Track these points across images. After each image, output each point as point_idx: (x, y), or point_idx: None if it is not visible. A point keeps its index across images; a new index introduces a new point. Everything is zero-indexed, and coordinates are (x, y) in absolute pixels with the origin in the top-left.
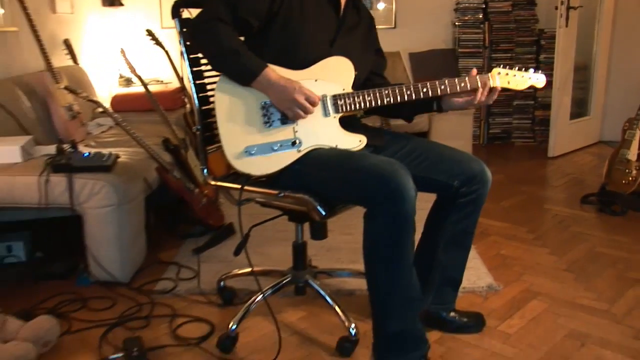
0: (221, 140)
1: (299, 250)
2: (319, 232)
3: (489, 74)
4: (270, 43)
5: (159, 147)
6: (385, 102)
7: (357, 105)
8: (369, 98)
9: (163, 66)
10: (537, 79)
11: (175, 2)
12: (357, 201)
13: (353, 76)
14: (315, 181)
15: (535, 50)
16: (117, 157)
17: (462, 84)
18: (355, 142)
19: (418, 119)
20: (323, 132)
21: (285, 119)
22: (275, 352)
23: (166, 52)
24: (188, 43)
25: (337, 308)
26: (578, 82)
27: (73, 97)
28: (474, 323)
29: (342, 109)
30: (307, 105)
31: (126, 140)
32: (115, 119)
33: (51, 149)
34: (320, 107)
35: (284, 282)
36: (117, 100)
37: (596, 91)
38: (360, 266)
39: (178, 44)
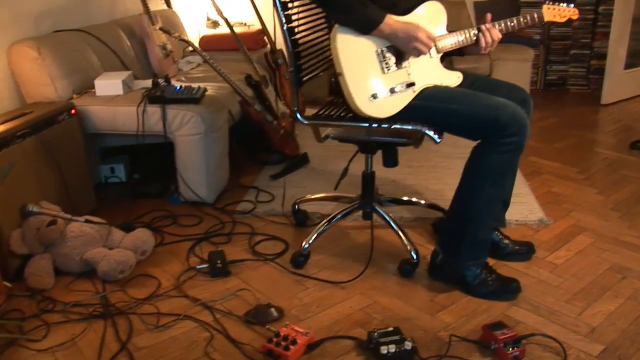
0: (348, 89)
1: (368, 179)
2: (392, 160)
3: (542, 10)
4: None
5: (242, 83)
6: (474, 39)
7: (454, 44)
8: (462, 38)
9: (246, 9)
10: (573, 12)
11: None
12: (483, 131)
13: (446, 19)
14: (438, 113)
15: (595, 2)
16: (205, 90)
17: (533, 18)
18: (455, 78)
19: (481, 64)
20: (430, 71)
21: (399, 63)
22: (342, 270)
23: None
24: None
25: (400, 233)
26: (634, 34)
27: (167, 37)
28: (525, 251)
29: (442, 50)
30: (429, 42)
31: (213, 76)
32: (204, 57)
33: (148, 83)
34: None
35: (353, 207)
36: (205, 40)
37: None
38: (422, 196)
39: None
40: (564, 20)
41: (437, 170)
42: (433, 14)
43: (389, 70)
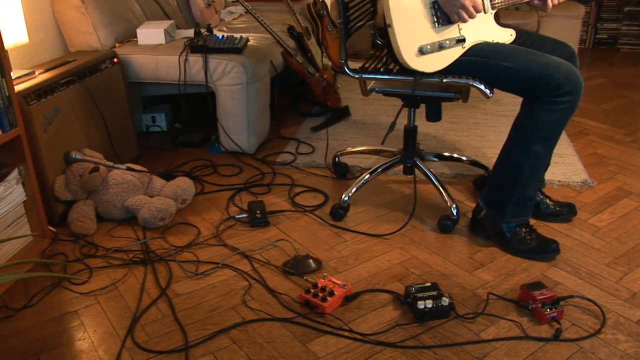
0: (396, 41)
1: (410, 134)
2: (436, 114)
3: None
4: None
5: (284, 34)
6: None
7: (511, 1)
8: None
9: None
10: None
11: None
12: (536, 89)
13: None
14: (490, 69)
15: None
16: (247, 40)
17: None
18: (507, 35)
19: (528, 20)
20: (483, 27)
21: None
22: (381, 224)
23: None
24: None
25: (441, 189)
26: None
27: None
28: (567, 212)
29: (497, 5)
30: (473, 11)
31: (255, 27)
32: (246, 7)
33: (190, 33)
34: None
35: (394, 161)
36: None
37: None
38: (464, 152)
39: None
40: None
41: (480, 127)
42: None
43: (440, 24)
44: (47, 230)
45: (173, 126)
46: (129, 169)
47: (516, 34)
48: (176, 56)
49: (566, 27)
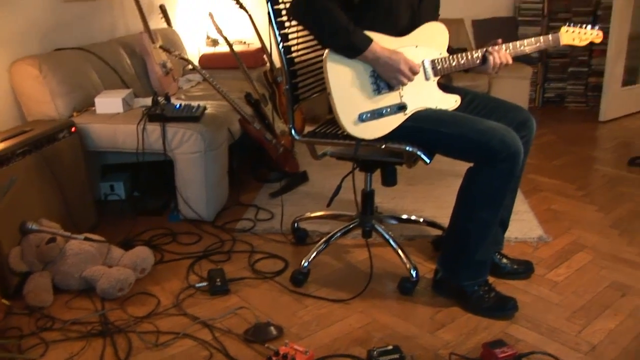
0: (336, 109)
1: (368, 197)
2: (391, 179)
3: (559, 33)
4: (370, 14)
5: (241, 101)
6: (477, 63)
7: (453, 68)
8: (463, 61)
9: (246, 28)
10: (597, 35)
11: None
12: (473, 157)
13: (447, 40)
14: (429, 136)
15: (592, 20)
16: (205, 108)
17: (547, 41)
18: (452, 101)
19: (479, 82)
20: (425, 94)
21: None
22: (342, 288)
23: (249, 15)
24: (286, 17)
25: (399, 251)
26: (631, 51)
27: (167, 55)
28: (524, 270)
29: (440, 72)
30: (410, 74)
31: (213, 94)
32: (203, 75)
33: (148, 101)
34: (421, 72)
35: (352, 225)
36: (204, 59)
37: None
38: (422, 213)
39: (259, 7)
40: (584, 43)
41: (437, 188)
42: (434, 34)
43: (380, 91)
44: (0, 304)
45: (132, 194)
46: (87, 238)
47: (467, 97)
48: (134, 125)
49: (516, 88)
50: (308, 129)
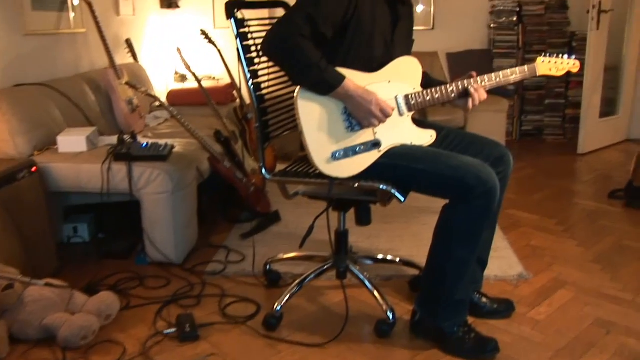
0: (308, 148)
1: (342, 237)
2: (365, 218)
3: (535, 63)
4: (343, 49)
5: (211, 139)
6: (452, 97)
7: (427, 103)
8: (437, 95)
9: (215, 63)
10: (574, 64)
11: (229, 3)
12: (448, 193)
13: (421, 75)
14: (403, 173)
15: (567, 52)
16: (173, 147)
17: (524, 72)
18: (427, 137)
19: (455, 116)
20: (399, 130)
21: None
22: (316, 332)
23: (218, 50)
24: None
25: (375, 293)
26: (608, 83)
27: (133, 91)
28: (504, 309)
29: (414, 108)
30: (382, 116)
31: (181, 132)
32: (171, 112)
33: (113, 140)
34: (395, 107)
35: (326, 267)
36: (172, 95)
37: (625, 91)
38: (398, 253)
39: (229, 42)
40: (561, 74)
41: (413, 225)
42: (407, 69)
43: (353, 129)
44: None
45: (96, 236)
46: (47, 284)
47: (442, 133)
48: (99, 164)
49: (492, 121)
50: (280, 167)
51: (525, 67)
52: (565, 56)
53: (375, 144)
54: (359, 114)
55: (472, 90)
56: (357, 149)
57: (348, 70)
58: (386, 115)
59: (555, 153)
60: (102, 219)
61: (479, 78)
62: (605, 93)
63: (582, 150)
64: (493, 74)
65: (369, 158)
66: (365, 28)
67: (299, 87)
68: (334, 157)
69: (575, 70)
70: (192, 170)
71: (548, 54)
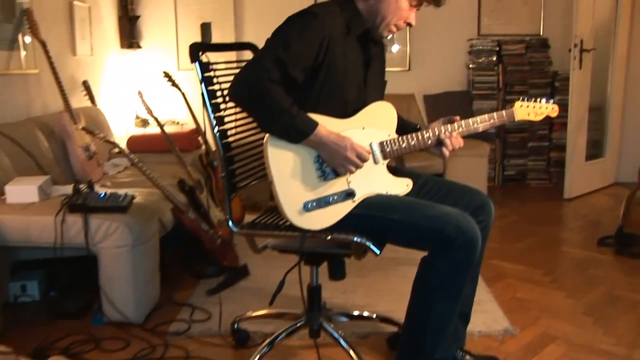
0: (279, 199)
1: (314, 293)
2: (339, 272)
3: (513, 108)
4: (315, 93)
5: (174, 188)
6: (428, 144)
7: (403, 150)
8: (413, 142)
9: (179, 107)
10: (552, 109)
11: (194, 45)
12: (427, 245)
13: (396, 121)
14: (379, 224)
15: (550, 92)
16: (133, 197)
17: (501, 117)
18: (403, 186)
19: (433, 162)
20: (374, 179)
21: None
22: None
23: (183, 93)
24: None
25: (351, 352)
26: (593, 123)
27: (90, 137)
28: None
29: (390, 155)
30: (359, 162)
31: (142, 181)
32: (132, 160)
33: (68, 189)
34: (369, 155)
35: (299, 324)
36: (133, 141)
37: (611, 132)
38: (375, 308)
39: (194, 85)
40: (540, 118)
41: (391, 279)
42: (382, 115)
43: (326, 178)
44: None
45: (48, 295)
46: None
47: (419, 181)
48: (52, 216)
49: (473, 166)
50: (248, 217)
51: (503, 112)
52: (544, 100)
53: (349, 194)
54: (334, 161)
55: (444, 137)
56: (330, 199)
57: (320, 115)
58: (363, 160)
59: (540, 198)
60: (55, 276)
61: (456, 124)
62: (591, 134)
63: (569, 195)
64: (470, 120)
65: (343, 209)
66: (338, 71)
67: (268, 134)
68: (306, 208)
69: (554, 114)
70: (154, 222)
71: (526, 98)
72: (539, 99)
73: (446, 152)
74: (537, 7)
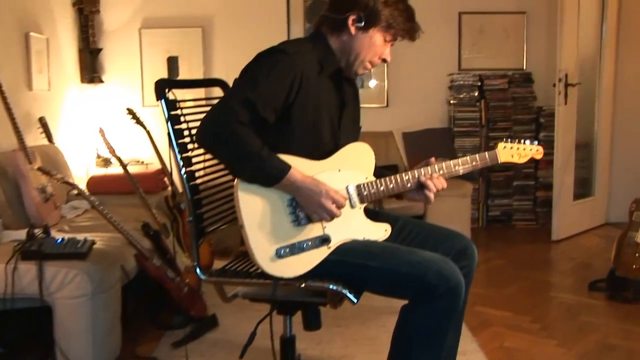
0: (249, 244)
1: (288, 345)
2: (315, 322)
3: (496, 149)
4: (287, 134)
5: (138, 232)
6: (408, 187)
7: (381, 194)
8: (392, 185)
9: (144, 146)
10: (537, 150)
11: (160, 82)
12: (407, 293)
13: (374, 162)
14: (356, 271)
15: (535, 128)
16: (93, 243)
17: (484, 160)
18: (381, 231)
19: (413, 203)
20: (351, 224)
21: None
22: None
23: (147, 131)
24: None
25: None
26: (580, 161)
27: (47, 178)
28: None
29: (367, 199)
30: (335, 210)
31: (103, 225)
32: (92, 202)
33: (21, 234)
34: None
35: None
36: (94, 182)
37: (600, 170)
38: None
39: (160, 123)
40: (524, 160)
41: (370, 328)
42: (359, 157)
43: (300, 223)
44: None
45: None
46: None
47: (398, 224)
48: (2, 264)
49: (455, 207)
50: (218, 263)
51: (486, 154)
52: (528, 141)
53: (325, 240)
54: (308, 208)
55: (425, 179)
56: (304, 245)
57: (293, 157)
58: (339, 206)
59: (527, 240)
60: (3, 329)
61: (436, 166)
62: (579, 172)
63: (557, 237)
64: (452, 162)
65: (318, 255)
66: (310, 111)
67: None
68: (279, 254)
69: (538, 157)
70: (116, 270)
71: (509, 139)
72: (522, 140)
73: (430, 194)
74: (520, 41)
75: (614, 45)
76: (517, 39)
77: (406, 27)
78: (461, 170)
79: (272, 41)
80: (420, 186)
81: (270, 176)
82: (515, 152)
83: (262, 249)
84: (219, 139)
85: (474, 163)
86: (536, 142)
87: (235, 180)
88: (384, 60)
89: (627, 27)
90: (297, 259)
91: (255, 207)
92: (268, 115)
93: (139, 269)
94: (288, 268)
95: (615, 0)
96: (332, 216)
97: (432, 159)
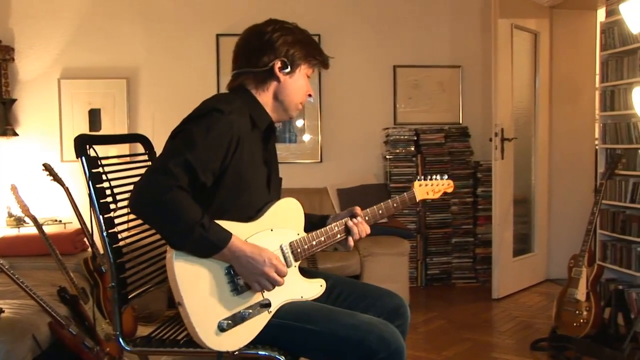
0: (191, 323)
1: None
2: None
3: (413, 189)
4: (219, 196)
5: (53, 298)
6: (338, 237)
7: (315, 248)
8: (323, 238)
9: (62, 204)
10: (447, 185)
11: (80, 138)
12: (347, 358)
13: (303, 217)
14: (295, 335)
15: (472, 184)
16: (1, 311)
17: (404, 200)
18: (317, 288)
19: (350, 262)
20: (288, 284)
21: None
22: None
23: (66, 189)
24: (113, 197)
25: None
26: (519, 217)
27: None
28: None
29: (301, 256)
30: (279, 279)
31: (13, 291)
32: (1, 266)
33: None
34: (282, 260)
35: None
36: (4, 243)
37: (538, 225)
38: None
39: (80, 179)
40: (438, 195)
41: None
42: (289, 213)
43: (239, 291)
44: None
45: None
46: None
47: (329, 283)
48: None
49: (392, 266)
50: (142, 330)
51: (405, 194)
52: (439, 176)
53: (265, 305)
54: (249, 277)
55: (350, 224)
56: (246, 314)
57: (226, 222)
58: (282, 275)
59: (468, 299)
60: None
61: (363, 212)
62: (518, 228)
63: (497, 295)
64: (375, 207)
65: (260, 321)
66: (244, 171)
67: (171, 248)
68: (221, 328)
69: (450, 190)
70: (27, 340)
71: (423, 177)
72: (434, 176)
73: (351, 241)
74: (456, 94)
75: (547, 98)
76: (453, 93)
77: (322, 57)
78: (384, 211)
79: (203, 94)
80: (347, 233)
81: (212, 246)
82: (430, 188)
83: (204, 326)
84: (158, 207)
85: (395, 205)
86: (446, 177)
87: (168, 252)
88: (310, 96)
89: (559, 83)
90: (239, 329)
91: (193, 281)
92: (207, 178)
93: (53, 338)
94: (232, 340)
95: (547, 55)
96: (275, 285)
97: (357, 208)
